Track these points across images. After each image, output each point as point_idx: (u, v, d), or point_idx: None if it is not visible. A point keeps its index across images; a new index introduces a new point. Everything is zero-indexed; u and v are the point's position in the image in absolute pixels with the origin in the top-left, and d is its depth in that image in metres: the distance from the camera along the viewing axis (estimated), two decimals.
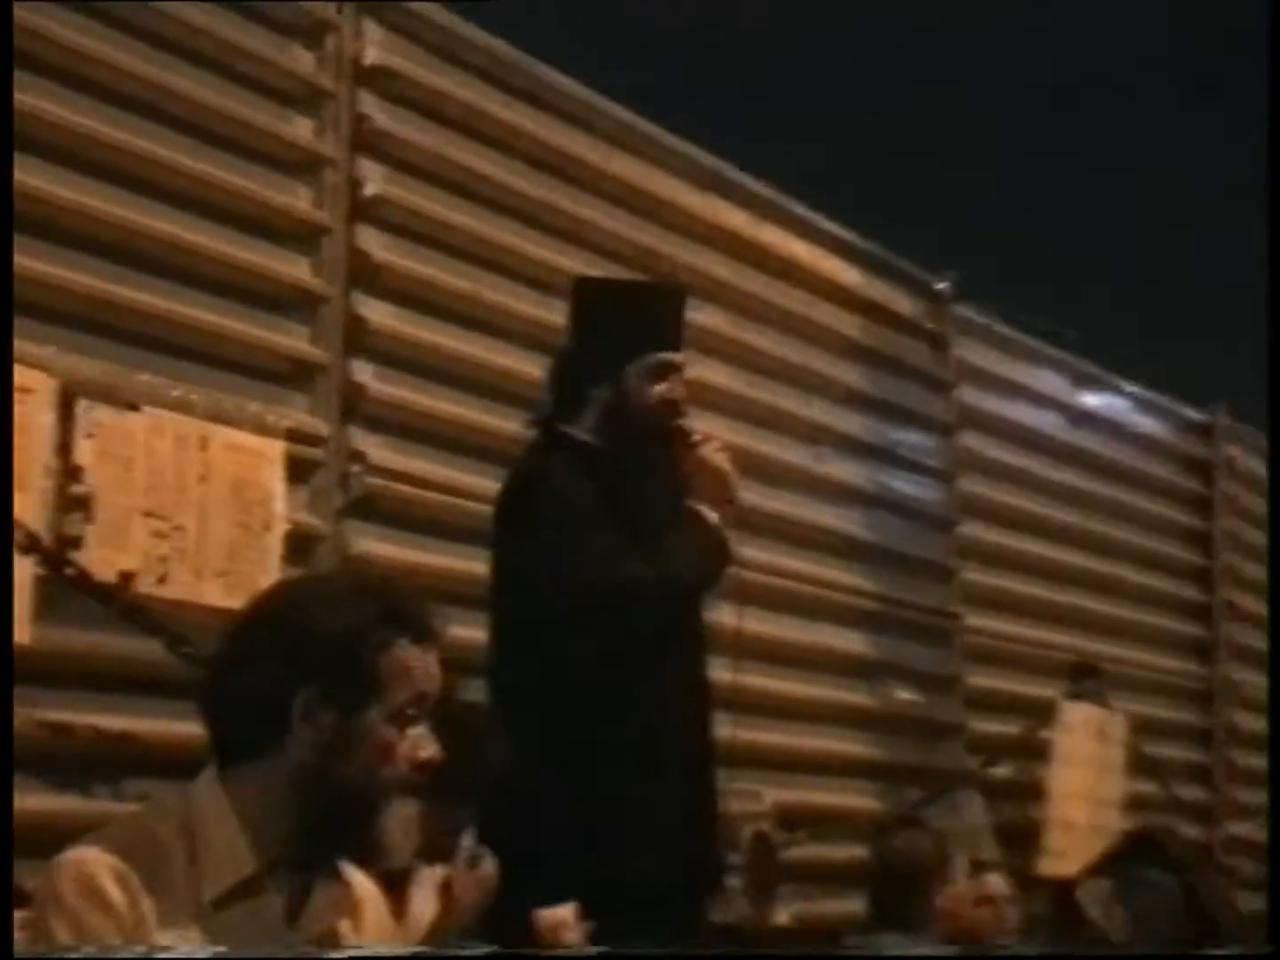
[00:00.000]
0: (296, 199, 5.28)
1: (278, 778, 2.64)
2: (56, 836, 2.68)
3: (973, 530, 8.38)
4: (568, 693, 4.32)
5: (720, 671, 5.72)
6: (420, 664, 2.68)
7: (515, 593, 4.48)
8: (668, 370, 4.56)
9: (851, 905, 6.35)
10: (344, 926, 2.77)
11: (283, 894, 2.67)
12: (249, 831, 2.63)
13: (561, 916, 3.65)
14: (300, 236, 5.27)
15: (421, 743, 2.68)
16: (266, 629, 2.71)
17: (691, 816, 4.47)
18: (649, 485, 4.49)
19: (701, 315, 6.85)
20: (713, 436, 4.70)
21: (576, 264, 6.07)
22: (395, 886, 3.72)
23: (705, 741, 4.56)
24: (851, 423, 7.73)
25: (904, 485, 8.04)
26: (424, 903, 3.88)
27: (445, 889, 3.93)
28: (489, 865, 3.98)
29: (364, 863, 2.74)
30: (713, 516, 4.51)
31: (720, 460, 4.56)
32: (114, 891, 2.52)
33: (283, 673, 2.64)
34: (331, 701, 2.63)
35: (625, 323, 4.55)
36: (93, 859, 2.55)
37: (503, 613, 4.52)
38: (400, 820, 2.72)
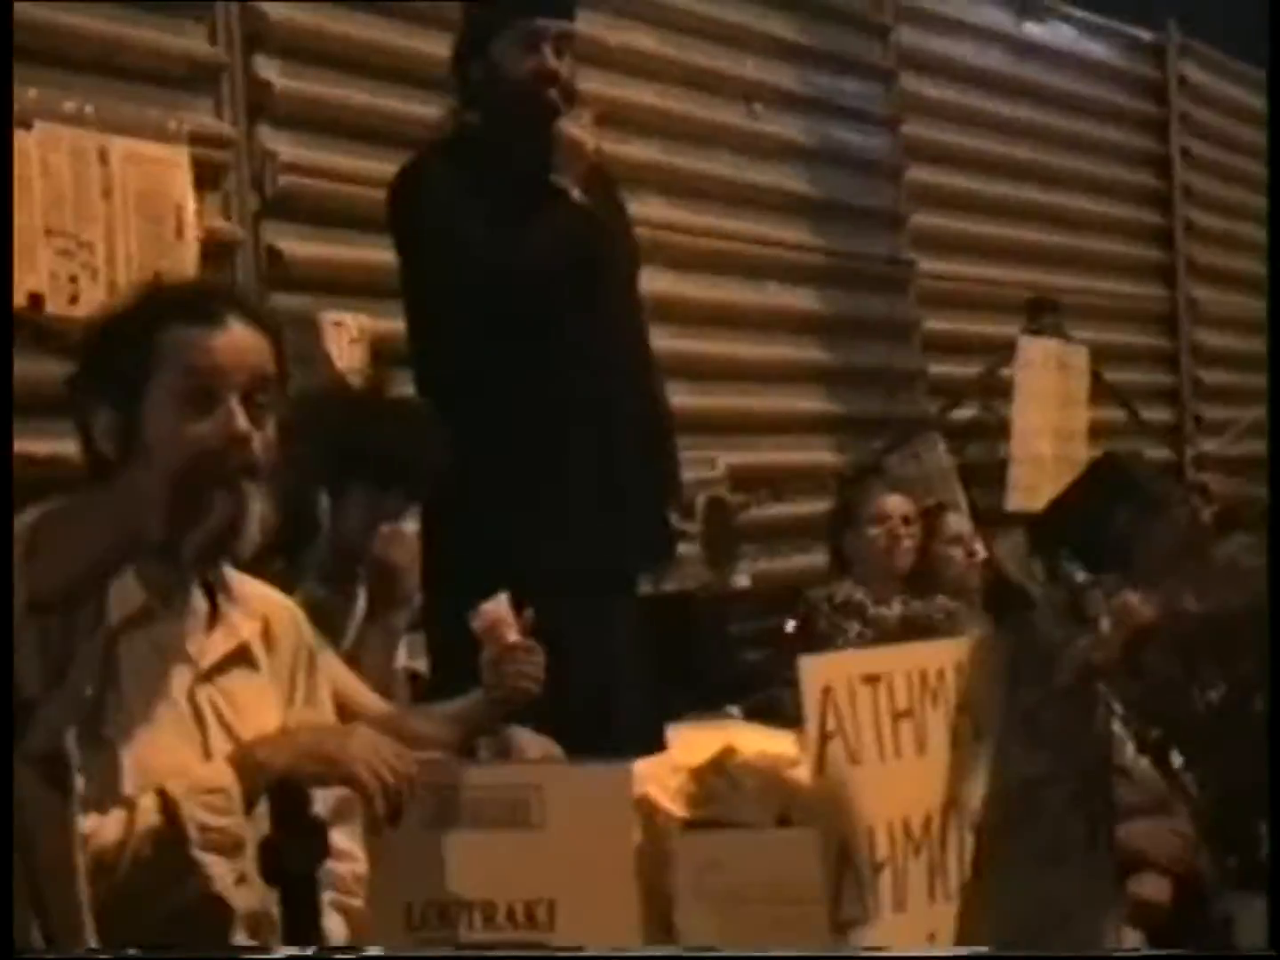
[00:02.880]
0: None
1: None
2: None
3: (920, 174, 8.26)
4: (482, 380, 4.24)
5: (664, 338, 5.71)
6: (197, 342, 2.56)
7: (409, 285, 4.38)
8: (540, 39, 4.29)
9: (816, 560, 6.35)
10: (249, 632, 2.75)
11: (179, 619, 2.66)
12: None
13: (498, 613, 3.64)
14: None
15: (228, 423, 2.53)
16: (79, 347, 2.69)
17: (626, 487, 4.42)
18: (518, 163, 4.31)
19: None
20: (581, 105, 4.43)
21: None
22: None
23: (637, 411, 4.47)
24: (786, 76, 7.56)
25: (847, 135, 7.90)
26: None
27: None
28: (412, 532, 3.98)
29: (214, 558, 2.65)
30: (575, 192, 4.31)
31: (578, 132, 4.33)
32: None
33: (83, 389, 2.61)
34: (106, 399, 2.56)
35: None
36: None
37: (407, 305, 4.42)
38: (249, 505, 2.59)
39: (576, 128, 4.34)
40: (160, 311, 2.60)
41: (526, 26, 4.29)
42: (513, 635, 3.61)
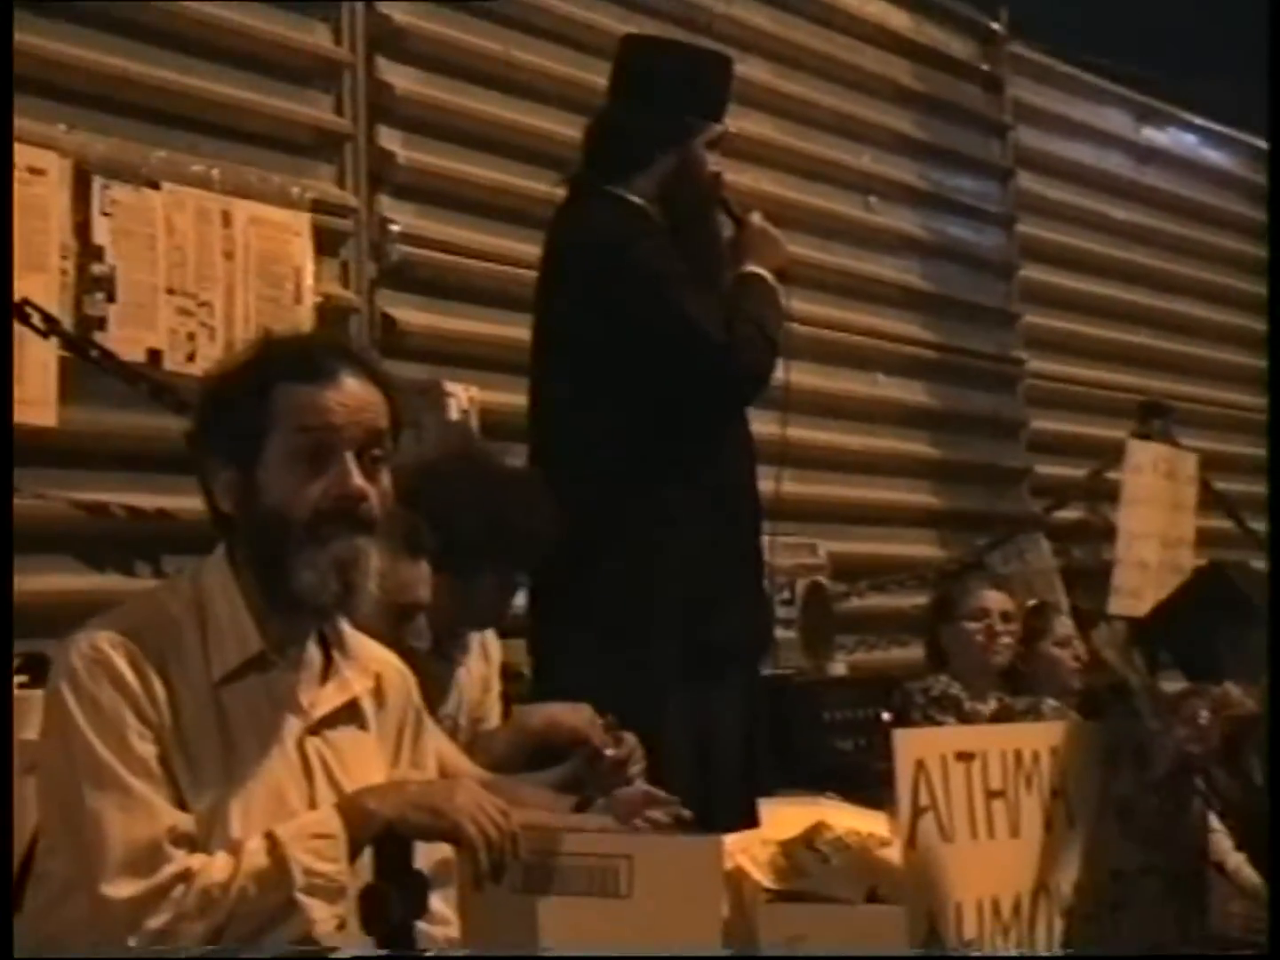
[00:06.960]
0: None
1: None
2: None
3: (1034, 273, 8.28)
4: (642, 454, 4.24)
5: (772, 426, 5.72)
6: (309, 400, 2.58)
7: (590, 355, 4.27)
8: (717, 142, 4.46)
9: (913, 653, 6.33)
10: (361, 688, 2.75)
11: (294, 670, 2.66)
12: (254, 609, 2.62)
13: (593, 738, 3.65)
14: (320, 5, 5.19)
15: (344, 480, 2.56)
16: (196, 405, 2.74)
17: (757, 575, 4.48)
18: (704, 250, 4.40)
19: (743, 67, 6.71)
20: (754, 207, 4.62)
21: (609, 20, 5.96)
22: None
23: (757, 498, 4.53)
24: (905, 170, 7.61)
25: (962, 231, 7.94)
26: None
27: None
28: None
29: (331, 612, 2.66)
30: (771, 278, 4.43)
31: (771, 227, 4.50)
32: (125, 669, 2.52)
33: (203, 447, 2.64)
34: (231, 461, 2.59)
35: (689, 89, 4.40)
36: (104, 638, 2.54)
37: (566, 376, 4.33)
38: (364, 560, 2.61)
39: (770, 225, 4.49)
40: (273, 369, 2.62)
41: (714, 130, 4.43)
42: (609, 751, 3.62)
